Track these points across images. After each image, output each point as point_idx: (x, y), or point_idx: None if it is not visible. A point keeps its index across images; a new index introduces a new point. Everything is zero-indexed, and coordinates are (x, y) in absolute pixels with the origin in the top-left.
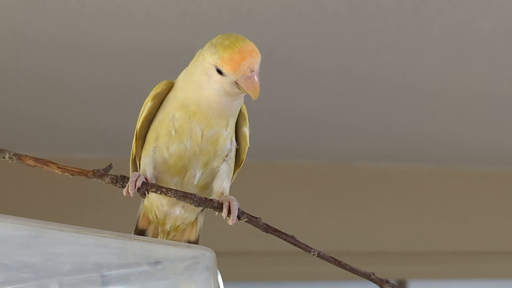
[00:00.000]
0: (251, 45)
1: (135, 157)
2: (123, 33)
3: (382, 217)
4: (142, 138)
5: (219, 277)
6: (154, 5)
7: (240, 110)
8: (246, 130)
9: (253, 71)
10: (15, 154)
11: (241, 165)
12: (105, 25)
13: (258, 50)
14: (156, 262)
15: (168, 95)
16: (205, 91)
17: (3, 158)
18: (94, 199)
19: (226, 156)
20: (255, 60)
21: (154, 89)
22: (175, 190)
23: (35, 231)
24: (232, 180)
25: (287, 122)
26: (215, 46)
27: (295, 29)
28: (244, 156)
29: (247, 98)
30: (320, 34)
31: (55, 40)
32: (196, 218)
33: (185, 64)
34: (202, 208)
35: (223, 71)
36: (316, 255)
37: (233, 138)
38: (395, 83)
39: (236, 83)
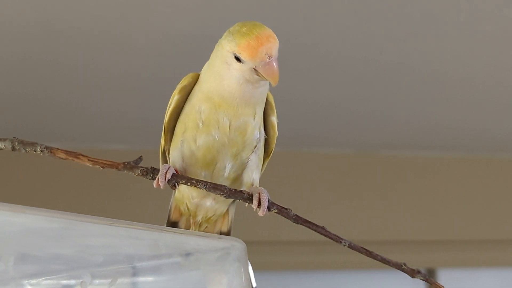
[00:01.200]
0: (268, 31)
1: (164, 150)
2: (150, 23)
3: (411, 206)
4: (171, 131)
5: (250, 267)
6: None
7: (267, 99)
8: (274, 119)
9: (271, 57)
10: (46, 147)
11: (271, 154)
12: (132, 15)
13: (275, 36)
14: (188, 254)
15: (194, 87)
16: (226, 81)
17: (35, 151)
18: (126, 191)
19: (255, 147)
20: (272, 45)
21: (181, 82)
22: (205, 181)
23: (67, 223)
24: (262, 170)
25: (314, 111)
26: (233, 34)
27: (321, 18)
28: (273, 146)
29: (273, 88)
30: (346, 22)
31: (83, 31)
32: (228, 210)
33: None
34: (233, 199)
35: (241, 58)
36: (347, 245)
37: (261, 127)
38: (422, 71)
39: (255, 69)
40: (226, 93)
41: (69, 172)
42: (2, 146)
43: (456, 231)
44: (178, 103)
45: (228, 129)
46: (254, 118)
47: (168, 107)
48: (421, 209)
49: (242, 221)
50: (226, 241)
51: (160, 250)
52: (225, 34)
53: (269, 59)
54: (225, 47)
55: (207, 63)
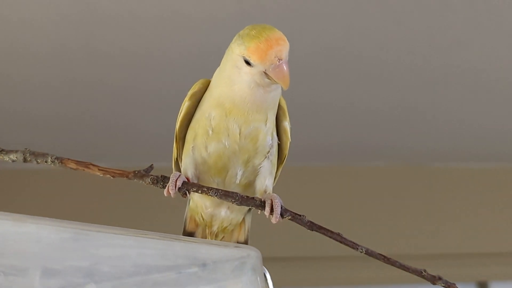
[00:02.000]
0: (278, 34)
1: (177, 158)
2: (187, 39)
3: (461, 219)
4: (183, 139)
5: (268, 275)
6: (215, 8)
7: (279, 104)
8: (286, 124)
9: (281, 60)
10: (56, 158)
11: (284, 161)
12: (170, 32)
13: (285, 39)
14: (204, 264)
15: (205, 93)
16: (236, 85)
17: (46, 162)
18: (140, 202)
19: (268, 153)
20: (282, 48)
21: (192, 88)
22: (216, 189)
23: (82, 233)
24: (277, 178)
25: (358, 121)
26: (242, 37)
27: (362, 28)
28: (286, 152)
29: (316, 97)
30: (388, 32)
31: (124, 50)
32: (244, 219)
33: None
34: (249, 208)
35: (251, 61)
36: (364, 252)
37: (274, 133)
38: (469, 80)
39: (265, 73)
40: (237, 98)
41: (88, 184)
42: (14, 158)
43: (508, 243)
44: (189, 110)
45: (238, 136)
46: (266, 124)
47: (179, 114)
48: (472, 221)
49: (263, 236)
50: (242, 250)
51: (177, 261)
52: (235, 37)
53: (279, 62)
54: (235, 51)
55: (218, 68)
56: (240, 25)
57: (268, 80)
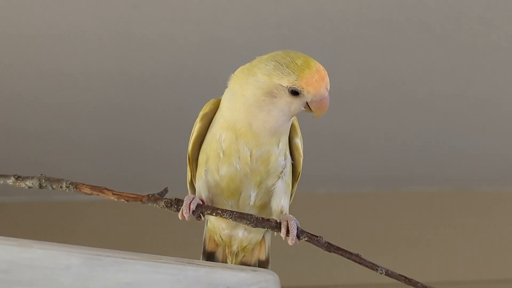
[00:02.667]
0: (323, 70)
1: (191, 180)
2: (227, 65)
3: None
4: (196, 161)
5: None
6: (257, 36)
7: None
8: (298, 141)
9: (327, 91)
10: (71, 183)
11: (299, 178)
12: (212, 61)
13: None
14: None
15: (216, 114)
16: (264, 113)
17: (61, 187)
18: (157, 224)
19: (281, 173)
20: (328, 79)
21: (203, 109)
22: (231, 211)
23: (94, 259)
24: (292, 196)
25: (401, 148)
26: (288, 67)
27: (403, 52)
28: (299, 169)
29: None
30: (430, 56)
31: (166, 79)
32: (264, 237)
33: None
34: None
35: (303, 92)
36: (384, 273)
37: (287, 152)
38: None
39: (306, 102)
40: (258, 122)
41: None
42: (30, 184)
43: None
44: (201, 131)
45: (249, 158)
46: (278, 146)
47: (191, 136)
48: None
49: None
50: (259, 275)
51: (198, 287)
52: (264, 63)
53: (325, 94)
54: (275, 79)
55: (229, 91)
56: (278, 49)
57: (303, 109)
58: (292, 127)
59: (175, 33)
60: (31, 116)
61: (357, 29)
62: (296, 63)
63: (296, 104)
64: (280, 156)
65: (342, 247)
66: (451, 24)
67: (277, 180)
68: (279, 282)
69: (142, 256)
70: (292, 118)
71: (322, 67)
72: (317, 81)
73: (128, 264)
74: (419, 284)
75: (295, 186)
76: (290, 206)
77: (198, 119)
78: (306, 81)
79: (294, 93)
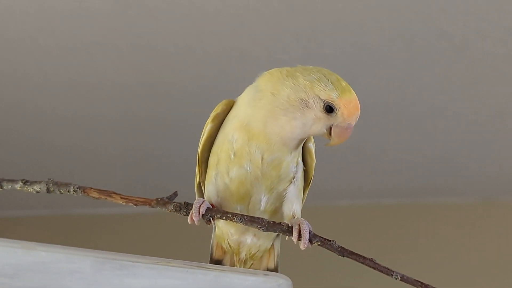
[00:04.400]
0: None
1: (199, 182)
2: (245, 76)
3: None
4: (205, 162)
5: None
6: (276, 47)
7: None
8: (311, 145)
9: (354, 123)
10: (79, 187)
11: (310, 183)
12: (230, 72)
13: None
14: None
15: (229, 114)
16: (286, 117)
17: (68, 192)
18: (165, 230)
19: (293, 178)
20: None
21: (214, 109)
22: (241, 215)
23: (104, 262)
24: (303, 201)
25: (422, 160)
26: (332, 83)
27: (423, 61)
28: (312, 174)
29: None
30: (450, 65)
31: (185, 90)
32: (273, 245)
33: None
34: (277, 234)
35: (338, 112)
36: (399, 279)
37: (299, 159)
38: None
39: (331, 126)
40: (273, 126)
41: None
42: (38, 189)
43: None
44: (212, 133)
45: (260, 162)
46: (291, 154)
47: (201, 137)
48: None
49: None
50: (272, 279)
51: None
52: (308, 71)
53: (352, 124)
54: (316, 91)
55: (254, 88)
56: (297, 60)
57: (323, 132)
58: None
59: (194, 44)
60: (48, 128)
61: (376, 39)
62: (341, 84)
63: (322, 122)
64: (292, 163)
65: (355, 252)
66: (471, 32)
67: (288, 185)
68: (292, 286)
69: (150, 259)
70: (303, 141)
71: (357, 101)
72: (354, 107)
73: (136, 268)
74: None
75: (306, 192)
76: (311, 218)
77: (209, 120)
78: (345, 103)
79: (328, 109)
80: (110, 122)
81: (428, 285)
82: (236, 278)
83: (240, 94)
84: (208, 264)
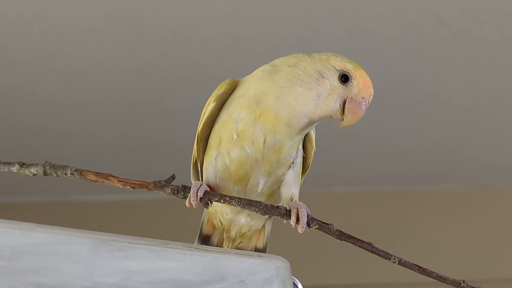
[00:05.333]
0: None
1: (196, 160)
2: (241, 62)
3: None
4: (204, 141)
5: (300, 285)
6: (272, 34)
7: None
8: (311, 132)
9: (368, 102)
10: (76, 170)
11: (307, 170)
12: (226, 58)
13: None
14: (234, 276)
15: (233, 94)
16: (301, 88)
17: (65, 174)
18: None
19: (292, 163)
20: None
21: (217, 89)
22: (239, 198)
23: (104, 244)
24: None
25: (417, 147)
26: (347, 59)
27: (418, 48)
28: (310, 161)
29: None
30: (446, 51)
31: (181, 76)
32: (264, 225)
33: None
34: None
35: (353, 82)
36: (397, 262)
37: (300, 145)
38: None
39: (345, 101)
40: (285, 98)
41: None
42: (35, 172)
43: None
44: (213, 112)
45: (262, 145)
46: (292, 139)
47: (202, 116)
48: None
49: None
50: (270, 261)
51: (207, 274)
52: (323, 53)
53: (367, 101)
54: (332, 62)
55: (268, 66)
56: (297, 51)
57: (336, 108)
58: None
59: (190, 30)
60: (43, 114)
61: (372, 25)
62: (353, 62)
63: (337, 94)
64: (292, 149)
65: (353, 236)
66: (467, 18)
67: (287, 170)
68: (290, 269)
69: (149, 241)
70: (310, 125)
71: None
72: (368, 82)
73: (134, 250)
74: (433, 274)
75: (303, 178)
76: (307, 205)
77: (211, 99)
78: (360, 74)
79: (344, 80)
80: (105, 108)
81: (426, 268)
82: (234, 260)
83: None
84: (206, 246)
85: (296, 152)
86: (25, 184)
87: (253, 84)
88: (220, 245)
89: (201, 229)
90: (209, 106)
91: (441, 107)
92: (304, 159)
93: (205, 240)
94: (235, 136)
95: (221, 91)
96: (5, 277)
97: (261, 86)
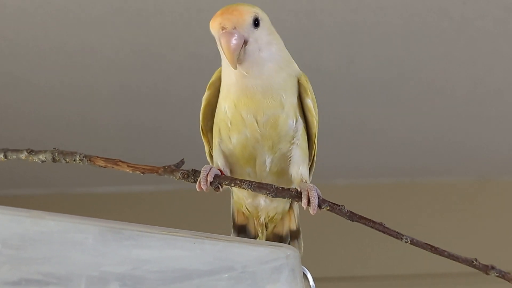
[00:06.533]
0: (236, 6)
1: (209, 151)
2: None
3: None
4: (210, 131)
5: (309, 275)
6: (275, 25)
7: (299, 82)
8: (309, 101)
9: (225, 29)
10: (85, 156)
11: (315, 141)
12: None
13: (243, 11)
14: (244, 266)
15: (222, 83)
16: (224, 61)
17: (74, 161)
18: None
19: (294, 138)
20: (231, 17)
21: (211, 78)
22: (250, 181)
23: (112, 232)
24: (313, 167)
25: (420, 139)
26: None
27: (421, 39)
28: (314, 130)
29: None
30: (448, 43)
31: (183, 62)
32: (291, 207)
33: (316, 85)
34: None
35: (213, 31)
36: (409, 242)
37: (297, 114)
38: None
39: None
40: (237, 86)
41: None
42: (43, 158)
43: None
44: (209, 100)
45: (256, 125)
46: (284, 108)
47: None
48: None
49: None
50: (279, 250)
51: (216, 263)
52: None
53: (222, 30)
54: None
55: None
56: (301, 44)
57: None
58: (302, 87)
59: (191, 17)
60: (45, 102)
61: (374, 16)
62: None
63: (221, 46)
64: (288, 118)
65: (365, 216)
66: (470, 10)
67: (291, 146)
68: (299, 258)
69: (158, 229)
70: (289, 78)
71: (231, 8)
72: (214, 18)
73: (144, 239)
74: (445, 253)
75: (314, 151)
76: None
77: (206, 88)
78: (213, 18)
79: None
80: (107, 95)
81: (438, 247)
82: (244, 248)
83: None
84: (216, 234)
85: (295, 122)
86: (31, 176)
87: (225, 72)
88: (256, 233)
89: (234, 219)
90: (204, 95)
91: (443, 99)
92: (308, 129)
93: (240, 230)
94: (229, 124)
95: (212, 80)
96: (13, 266)
97: (225, 80)
